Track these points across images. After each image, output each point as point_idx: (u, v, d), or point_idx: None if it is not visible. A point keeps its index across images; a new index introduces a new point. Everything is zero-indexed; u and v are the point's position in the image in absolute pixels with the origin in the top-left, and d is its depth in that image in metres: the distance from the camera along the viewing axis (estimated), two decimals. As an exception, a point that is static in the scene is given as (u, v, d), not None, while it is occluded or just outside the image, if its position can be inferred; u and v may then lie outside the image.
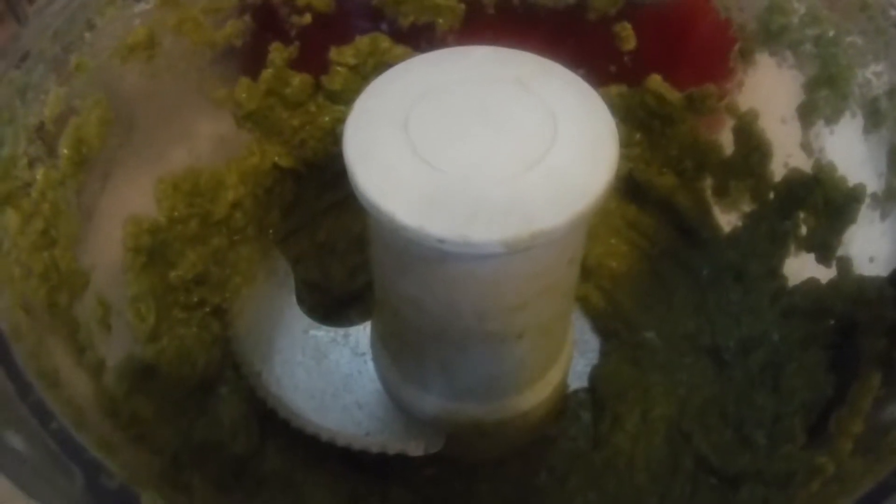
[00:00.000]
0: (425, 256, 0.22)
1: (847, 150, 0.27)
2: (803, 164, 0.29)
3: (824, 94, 0.28)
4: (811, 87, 0.28)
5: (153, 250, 0.30)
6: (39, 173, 0.25)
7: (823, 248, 0.28)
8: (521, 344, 0.26)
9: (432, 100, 0.23)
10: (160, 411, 0.27)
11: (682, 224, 0.35)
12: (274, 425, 0.30)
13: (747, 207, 0.32)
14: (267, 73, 0.33)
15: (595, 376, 0.33)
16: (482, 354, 0.26)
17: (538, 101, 0.23)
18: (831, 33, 0.27)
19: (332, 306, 0.35)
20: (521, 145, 0.22)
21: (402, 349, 0.28)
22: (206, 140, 0.33)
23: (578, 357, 0.33)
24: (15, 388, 0.17)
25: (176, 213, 0.31)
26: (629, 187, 0.36)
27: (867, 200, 0.27)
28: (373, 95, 0.24)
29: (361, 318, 0.33)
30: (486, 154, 0.22)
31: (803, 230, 0.30)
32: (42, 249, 0.23)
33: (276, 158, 0.35)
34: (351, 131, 0.23)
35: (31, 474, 0.15)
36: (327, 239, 0.36)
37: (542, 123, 0.23)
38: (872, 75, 0.26)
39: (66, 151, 0.25)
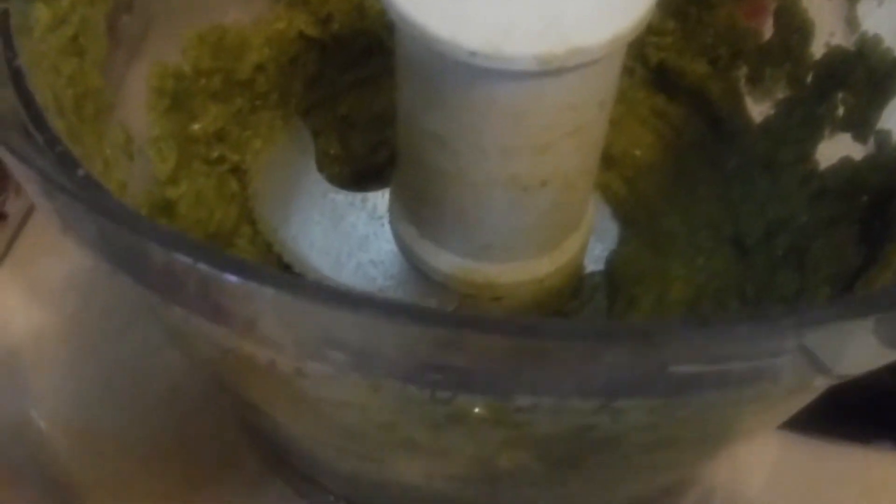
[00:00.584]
0: (454, 79, 0.22)
1: (892, 22, 0.27)
2: (846, 41, 0.29)
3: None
4: (860, -41, 0.28)
5: (176, 96, 0.30)
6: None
7: (862, 125, 0.28)
8: (543, 194, 0.25)
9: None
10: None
11: (711, 115, 0.34)
12: (289, 279, 0.30)
13: (782, 94, 0.32)
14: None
15: (612, 260, 0.33)
16: (503, 202, 0.26)
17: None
18: None
19: (351, 178, 0.35)
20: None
21: (420, 202, 0.28)
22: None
23: (596, 242, 0.33)
24: (45, 141, 0.17)
25: (200, 66, 0.31)
26: (659, 77, 0.35)
27: (910, 70, 0.26)
28: None
29: (382, 185, 0.32)
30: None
31: (840, 111, 0.29)
32: (71, 55, 0.23)
33: (303, 27, 0.34)
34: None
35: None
36: (349, 113, 0.36)
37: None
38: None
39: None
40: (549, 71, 0.21)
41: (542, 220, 0.27)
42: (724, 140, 0.34)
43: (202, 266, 0.13)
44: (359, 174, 0.35)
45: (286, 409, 0.21)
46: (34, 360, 0.36)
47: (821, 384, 0.17)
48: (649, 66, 0.35)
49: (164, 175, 0.29)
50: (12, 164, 0.16)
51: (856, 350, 0.13)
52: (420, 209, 0.29)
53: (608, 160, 0.34)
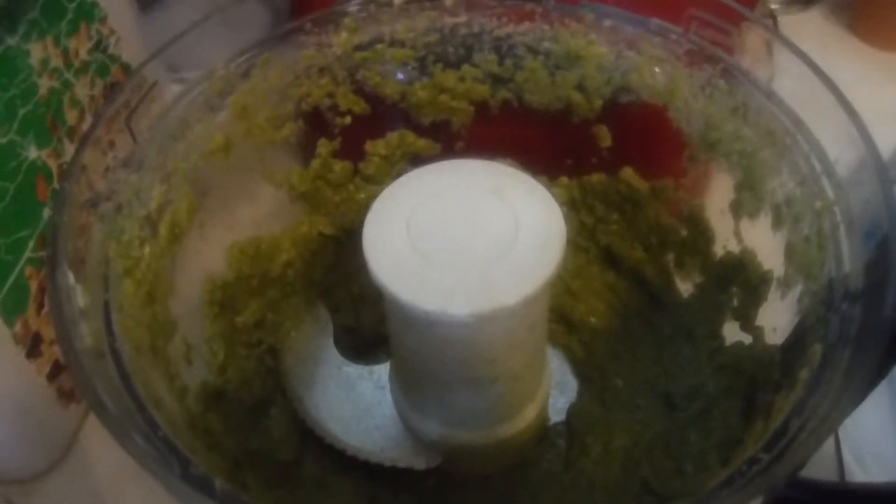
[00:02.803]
0: (419, 321, 0.31)
1: (763, 241, 0.35)
2: (735, 248, 0.37)
3: (747, 196, 0.35)
4: (738, 188, 0.36)
5: (224, 301, 0.39)
6: (146, 250, 0.34)
7: (745, 318, 0.35)
8: (495, 387, 0.34)
9: (428, 203, 0.32)
10: (226, 426, 0.36)
11: (649, 289, 0.42)
12: (312, 440, 0.39)
13: (698, 279, 0.40)
14: (315, 162, 0.42)
15: (570, 412, 0.41)
16: (466, 393, 0.34)
17: (507, 206, 0.31)
18: (749, 149, 0.35)
19: (362, 347, 0.43)
20: (491, 241, 0.30)
21: (409, 385, 0.37)
22: (266, 212, 0.43)
23: (559, 395, 0.41)
24: (135, 406, 0.26)
25: (242, 272, 0.40)
26: (608, 257, 0.43)
27: (774, 283, 0.34)
28: (387, 198, 0.32)
29: (387, 357, 0.41)
30: (464, 247, 0.30)
31: (735, 302, 0.37)
32: (147, 307, 0.32)
33: (322, 228, 0.44)
34: (368, 227, 0.32)
35: (150, 463, 0.23)
36: (361, 292, 0.45)
37: (508, 224, 0.31)
38: (777, 185, 0.33)
39: (163, 232, 0.35)
40: (484, 321, 0.29)
41: (497, 403, 0.35)
42: (659, 311, 0.41)
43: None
44: (368, 343, 0.43)
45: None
46: (118, 494, 0.44)
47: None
48: (599, 247, 0.43)
49: (215, 367, 0.38)
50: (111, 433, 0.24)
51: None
52: (408, 389, 0.37)
53: (570, 325, 0.43)
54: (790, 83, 0.33)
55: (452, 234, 0.31)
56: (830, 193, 0.31)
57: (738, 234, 0.36)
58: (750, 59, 0.34)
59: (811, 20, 0.64)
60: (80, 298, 0.28)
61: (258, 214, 0.42)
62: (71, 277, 0.28)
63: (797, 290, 0.32)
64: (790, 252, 0.33)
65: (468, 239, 0.30)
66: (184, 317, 0.37)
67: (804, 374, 0.28)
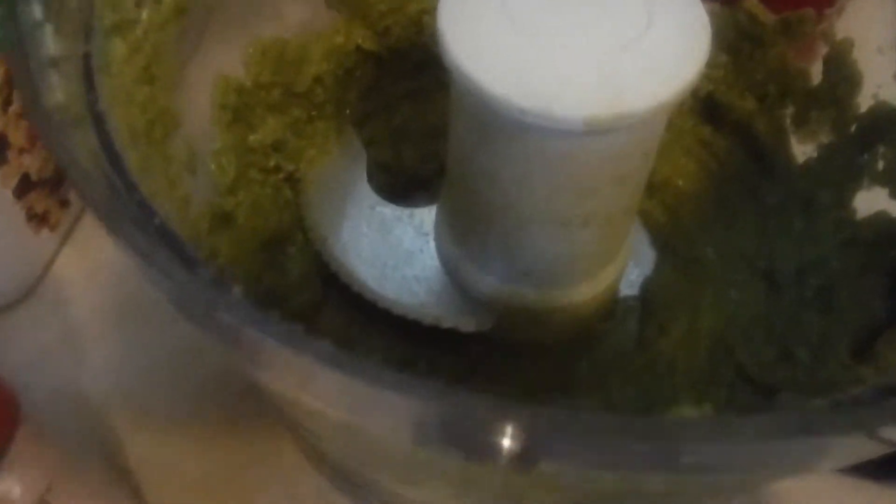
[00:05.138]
0: (506, 128, 0.23)
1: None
2: (892, 97, 0.29)
3: (924, 24, 0.28)
4: (912, 15, 0.28)
5: (238, 110, 0.32)
6: (144, 13, 0.26)
7: (896, 182, 0.28)
8: (584, 232, 0.27)
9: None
10: (235, 255, 0.29)
11: (755, 150, 0.35)
12: (335, 288, 0.32)
13: (825, 139, 0.32)
14: (362, -44, 0.34)
15: (647, 286, 0.34)
16: (545, 236, 0.27)
17: (636, -14, 0.23)
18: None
19: (400, 188, 0.36)
20: (616, 26, 0.23)
21: (467, 228, 0.29)
22: (297, 19, 0.35)
23: (633, 266, 0.34)
24: (122, 183, 0.19)
25: (261, 79, 0.33)
26: (707, 109, 0.36)
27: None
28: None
29: (428, 202, 0.34)
30: (581, 32, 0.22)
31: (880, 165, 0.30)
32: (143, 84, 0.25)
33: (360, 41, 0.36)
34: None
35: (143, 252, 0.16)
36: (402, 124, 0.37)
37: (638, 8, 0.23)
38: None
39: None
40: (596, 131, 0.22)
41: (580, 254, 0.28)
42: (765, 175, 0.34)
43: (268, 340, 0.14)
44: (408, 186, 0.36)
45: (331, 439, 0.23)
46: (93, 337, 0.38)
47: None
48: (699, 96, 0.36)
49: (224, 186, 0.30)
50: (94, 213, 0.17)
51: (857, 452, 0.14)
52: (465, 233, 0.30)
53: (650, 187, 0.35)
54: None
55: (565, 13, 0.23)
56: None
57: (900, 77, 0.29)
58: None
59: None
60: (51, 42, 0.21)
61: (287, 18, 0.34)
62: (38, 10, 0.20)
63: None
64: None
65: (586, 18, 0.23)
66: (189, 118, 0.29)
67: None
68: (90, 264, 0.40)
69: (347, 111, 0.36)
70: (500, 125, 0.23)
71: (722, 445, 0.13)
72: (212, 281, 0.17)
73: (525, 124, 0.22)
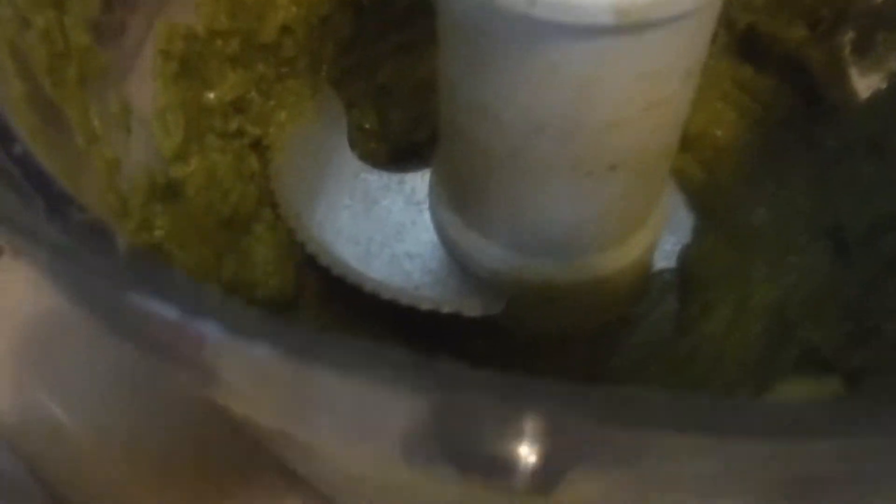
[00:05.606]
0: (507, 37, 0.18)
1: None
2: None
3: None
4: None
5: (187, 60, 0.26)
6: None
7: None
8: (610, 181, 0.21)
9: None
10: (183, 234, 0.24)
11: (808, 88, 0.29)
12: (313, 272, 0.27)
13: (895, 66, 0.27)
14: None
15: (686, 257, 0.28)
16: (562, 190, 0.22)
17: None
18: None
19: (387, 156, 0.31)
20: None
21: (465, 187, 0.24)
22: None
23: (668, 235, 0.29)
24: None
25: (216, 26, 0.27)
26: (746, 44, 0.30)
27: None
28: None
29: (419, 166, 0.28)
30: None
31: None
32: (45, 7, 0.20)
33: (336, -18, 0.31)
34: None
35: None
36: (388, 82, 0.32)
37: None
38: None
39: None
40: (628, 27, 0.16)
41: (608, 212, 0.23)
42: (822, 118, 0.29)
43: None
44: (396, 152, 0.31)
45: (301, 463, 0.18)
46: (43, 351, 0.33)
47: None
48: (735, 30, 0.30)
49: (169, 151, 0.25)
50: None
51: None
52: (465, 195, 0.25)
53: (683, 140, 0.29)
54: None
55: None
56: None
57: None
58: None
59: None
60: None
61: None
62: None
63: None
64: None
65: None
66: (125, 71, 0.24)
67: None
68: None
69: (324, 67, 0.31)
70: (501, 32, 0.18)
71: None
72: (91, 228, 0.11)
73: (534, 23, 0.16)
